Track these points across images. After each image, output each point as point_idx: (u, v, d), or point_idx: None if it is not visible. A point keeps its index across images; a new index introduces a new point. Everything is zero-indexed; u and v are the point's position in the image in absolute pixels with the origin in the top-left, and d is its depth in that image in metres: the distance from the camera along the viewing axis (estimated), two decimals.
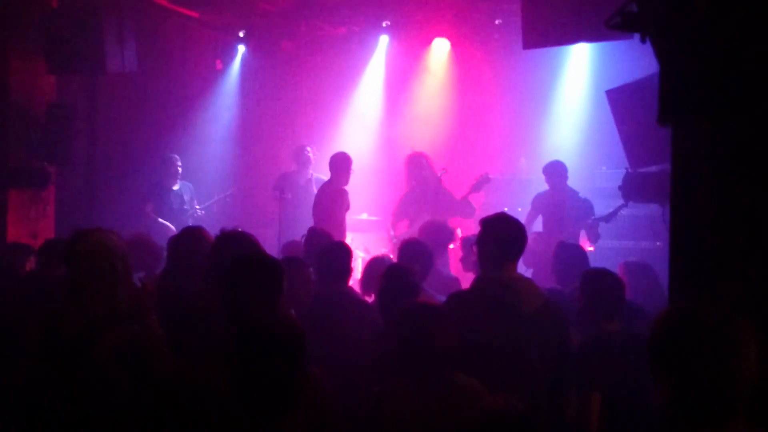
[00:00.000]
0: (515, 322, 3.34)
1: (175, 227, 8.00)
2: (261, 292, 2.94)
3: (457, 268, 5.79)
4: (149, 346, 2.79)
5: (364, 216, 9.32)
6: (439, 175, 7.41)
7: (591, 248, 7.24)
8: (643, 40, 2.52)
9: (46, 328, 2.85)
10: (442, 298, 4.21)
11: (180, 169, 8.38)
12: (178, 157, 8.41)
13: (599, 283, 3.82)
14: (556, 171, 7.40)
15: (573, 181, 7.51)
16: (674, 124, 2.42)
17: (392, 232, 7.66)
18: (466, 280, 5.16)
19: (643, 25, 2.46)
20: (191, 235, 4.23)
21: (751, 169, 2.25)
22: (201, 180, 9.13)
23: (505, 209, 7.76)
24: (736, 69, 2.18)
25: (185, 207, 8.34)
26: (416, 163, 7.53)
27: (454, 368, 2.93)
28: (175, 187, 8.38)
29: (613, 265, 4.71)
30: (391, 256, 5.54)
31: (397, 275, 3.92)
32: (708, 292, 2.37)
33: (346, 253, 4.61)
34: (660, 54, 2.39)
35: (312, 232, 5.52)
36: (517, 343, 3.33)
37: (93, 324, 2.77)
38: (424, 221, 6.04)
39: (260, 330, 2.32)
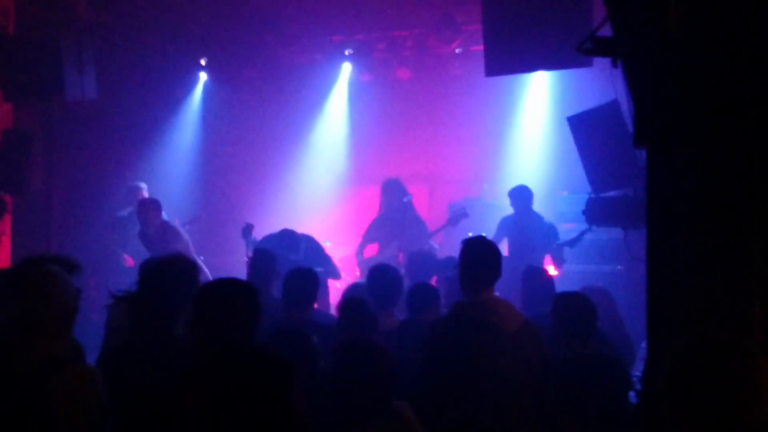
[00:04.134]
0: (499, 341, 3.41)
1: (133, 255, 7.84)
2: (232, 318, 2.81)
3: None
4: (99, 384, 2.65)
5: (327, 243, 9.27)
6: (405, 200, 7.39)
7: (556, 272, 7.29)
8: (614, 65, 2.57)
9: None
10: None
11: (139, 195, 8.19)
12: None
13: (572, 307, 3.85)
14: (521, 195, 7.46)
15: (534, 206, 7.58)
16: (649, 147, 2.46)
17: (361, 257, 7.62)
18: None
19: (617, 49, 2.50)
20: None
21: (728, 188, 2.28)
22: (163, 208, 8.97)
23: (470, 234, 7.78)
24: (712, 90, 2.22)
25: None
26: (389, 189, 7.52)
27: (391, 396, 2.91)
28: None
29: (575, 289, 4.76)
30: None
31: (353, 308, 3.96)
32: (687, 316, 2.39)
33: (311, 280, 4.55)
34: (634, 77, 2.43)
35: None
36: (503, 362, 3.39)
37: (48, 362, 2.60)
38: (411, 253, 6.02)
39: (240, 359, 2.26)
